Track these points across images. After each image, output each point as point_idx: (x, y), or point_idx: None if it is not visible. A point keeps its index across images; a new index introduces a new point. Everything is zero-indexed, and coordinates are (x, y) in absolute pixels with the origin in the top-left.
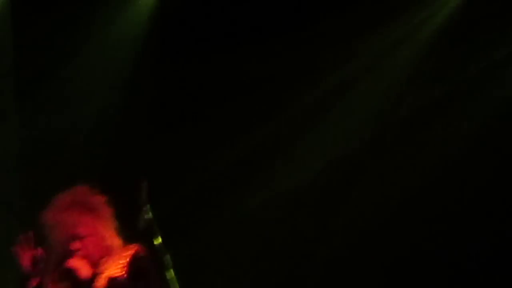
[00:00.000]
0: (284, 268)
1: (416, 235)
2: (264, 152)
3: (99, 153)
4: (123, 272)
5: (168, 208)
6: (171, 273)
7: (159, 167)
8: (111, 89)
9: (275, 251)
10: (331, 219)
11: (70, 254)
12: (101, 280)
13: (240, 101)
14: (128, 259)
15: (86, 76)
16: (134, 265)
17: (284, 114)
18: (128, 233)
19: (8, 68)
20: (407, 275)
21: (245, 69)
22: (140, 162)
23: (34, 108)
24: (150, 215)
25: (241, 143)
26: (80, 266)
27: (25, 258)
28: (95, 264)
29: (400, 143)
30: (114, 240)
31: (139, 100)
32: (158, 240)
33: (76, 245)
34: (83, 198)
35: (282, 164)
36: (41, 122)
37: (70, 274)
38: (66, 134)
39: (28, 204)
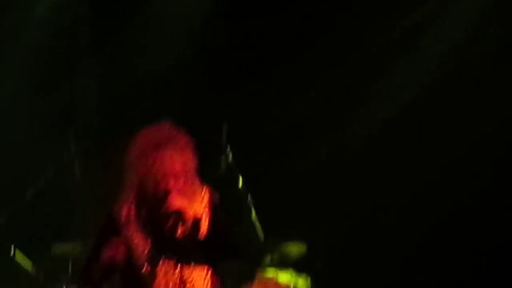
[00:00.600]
0: (356, 213)
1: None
2: (338, 100)
3: (176, 99)
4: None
5: (247, 152)
6: (252, 215)
7: (238, 113)
8: (187, 37)
9: (347, 196)
10: (402, 169)
11: (166, 194)
12: (204, 223)
13: (314, 49)
14: (208, 202)
15: (161, 24)
16: (214, 209)
17: (356, 61)
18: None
19: (85, 17)
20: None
21: (315, 18)
22: (219, 108)
23: (111, 56)
24: (230, 158)
25: (315, 91)
26: (186, 206)
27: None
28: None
29: (474, 87)
30: (197, 180)
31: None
32: (239, 183)
33: (172, 183)
34: (171, 135)
35: (355, 111)
36: (118, 69)
37: (174, 216)
38: (143, 81)
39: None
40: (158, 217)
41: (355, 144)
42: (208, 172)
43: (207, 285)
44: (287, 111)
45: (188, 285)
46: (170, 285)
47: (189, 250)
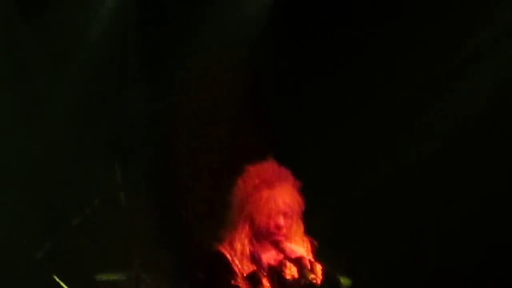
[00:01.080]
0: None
1: None
2: (400, 117)
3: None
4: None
5: None
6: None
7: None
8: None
9: (393, 227)
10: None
11: (275, 231)
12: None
13: (377, 63)
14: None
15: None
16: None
17: (421, 77)
18: None
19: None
20: None
21: (377, 34)
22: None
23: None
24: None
25: (378, 106)
26: (294, 249)
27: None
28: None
29: None
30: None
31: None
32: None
33: (282, 222)
34: (280, 173)
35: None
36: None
37: (294, 262)
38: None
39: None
40: (275, 259)
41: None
42: None
43: None
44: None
45: None
46: None
47: None
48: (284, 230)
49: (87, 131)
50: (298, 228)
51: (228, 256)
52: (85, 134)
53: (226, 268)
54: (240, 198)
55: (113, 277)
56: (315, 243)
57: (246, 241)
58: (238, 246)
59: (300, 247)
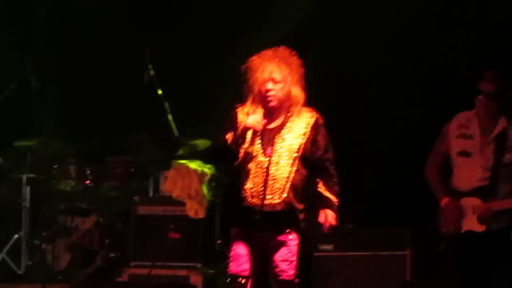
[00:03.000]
0: None
1: None
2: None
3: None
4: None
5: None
6: (169, 117)
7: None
8: None
9: None
10: None
11: (265, 92)
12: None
13: None
14: (312, 124)
15: None
16: (318, 132)
17: None
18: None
19: None
20: None
21: None
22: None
23: None
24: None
25: None
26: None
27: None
28: (284, 109)
29: None
30: (298, 94)
31: None
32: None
33: (270, 85)
34: (284, 54)
35: None
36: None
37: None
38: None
39: None
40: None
41: None
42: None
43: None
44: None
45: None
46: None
47: None
48: (273, 93)
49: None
50: (296, 94)
51: (238, 111)
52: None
53: (232, 121)
54: (249, 72)
55: (27, 143)
56: (319, 116)
57: (248, 105)
58: (245, 108)
59: (256, 120)
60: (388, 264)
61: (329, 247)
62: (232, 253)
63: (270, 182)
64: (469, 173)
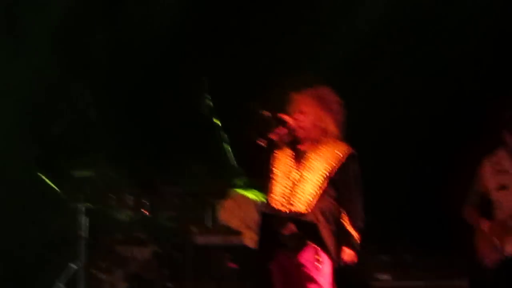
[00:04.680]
0: None
1: None
2: None
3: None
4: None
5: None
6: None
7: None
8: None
9: None
10: None
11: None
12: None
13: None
14: (344, 156)
15: None
16: (348, 164)
17: None
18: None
19: None
20: None
21: None
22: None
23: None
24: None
25: None
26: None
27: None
28: (311, 139)
29: None
30: (331, 127)
31: None
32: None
33: (296, 116)
34: (321, 91)
35: None
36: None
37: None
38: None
39: None
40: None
41: None
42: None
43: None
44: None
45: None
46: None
47: None
48: (300, 124)
49: (64, 61)
50: (328, 128)
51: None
52: (62, 63)
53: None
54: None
55: (85, 173)
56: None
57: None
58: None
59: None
60: None
61: (386, 276)
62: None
63: (298, 193)
64: (509, 204)
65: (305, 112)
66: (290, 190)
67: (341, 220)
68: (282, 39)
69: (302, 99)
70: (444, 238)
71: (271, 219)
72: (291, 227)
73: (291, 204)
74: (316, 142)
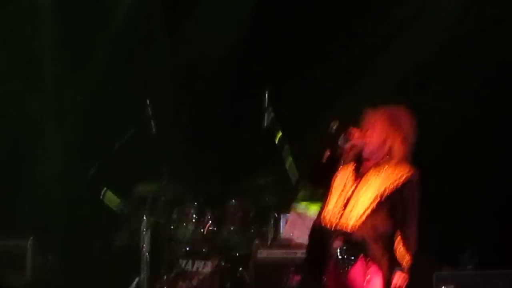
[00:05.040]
0: None
1: None
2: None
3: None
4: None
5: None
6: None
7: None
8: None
9: None
10: None
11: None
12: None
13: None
14: (404, 177)
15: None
16: (406, 186)
17: None
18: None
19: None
20: None
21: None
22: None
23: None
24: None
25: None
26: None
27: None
28: (376, 157)
29: None
30: (397, 149)
31: None
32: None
33: (367, 133)
34: (394, 110)
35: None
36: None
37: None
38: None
39: None
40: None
41: None
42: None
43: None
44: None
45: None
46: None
47: None
48: (367, 141)
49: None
50: (395, 148)
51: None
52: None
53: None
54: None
55: (147, 187)
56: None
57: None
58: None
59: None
60: None
61: None
62: None
63: (349, 208)
64: None
65: (375, 130)
66: (343, 205)
67: (396, 243)
68: (347, 49)
69: (375, 116)
70: (506, 250)
71: (321, 231)
72: (339, 242)
73: (340, 220)
74: (380, 160)
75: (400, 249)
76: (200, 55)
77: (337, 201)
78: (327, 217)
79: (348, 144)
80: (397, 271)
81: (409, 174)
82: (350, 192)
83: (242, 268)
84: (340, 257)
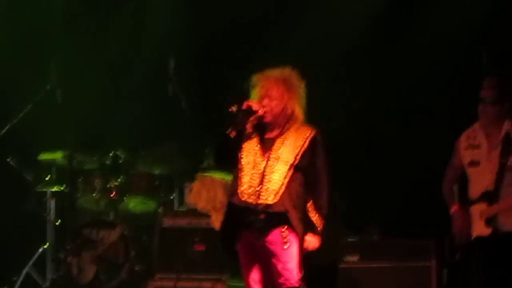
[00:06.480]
0: None
1: None
2: None
3: None
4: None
5: None
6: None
7: None
8: None
9: None
10: None
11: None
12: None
13: None
14: (308, 139)
15: None
16: (312, 147)
17: None
18: None
19: None
20: None
21: None
22: None
23: None
24: None
25: None
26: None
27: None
28: (279, 124)
29: None
30: (297, 112)
31: None
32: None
33: (265, 101)
34: (285, 73)
35: None
36: None
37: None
38: None
39: None
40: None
41: None
42: None
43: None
44: None
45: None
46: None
47: None
48: (267, 109)
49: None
50: (294, 111)
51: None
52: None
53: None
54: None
55: (51, 155)
56: (318, 132)
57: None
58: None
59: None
60: (413, 275)
61: (354, 258)
62: (242, 269)
63: (266, 184)
64: (479, 181)
65: (273, 96)
66: (258, 181)
67: (307, 208)
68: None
69: (268, 83)
70: (412, 220)
71: (239, 210)
72: (261, 217)
73: (259, 196)
74: (283, 128)
75: (313, 212)
76: None
77: (250, 179)
78: (244, 197)
79: (250, 119)
80: (309, 233)
81: (312, 135)
82: (262, 168)
83: (146, 237)
84: (258, 225)
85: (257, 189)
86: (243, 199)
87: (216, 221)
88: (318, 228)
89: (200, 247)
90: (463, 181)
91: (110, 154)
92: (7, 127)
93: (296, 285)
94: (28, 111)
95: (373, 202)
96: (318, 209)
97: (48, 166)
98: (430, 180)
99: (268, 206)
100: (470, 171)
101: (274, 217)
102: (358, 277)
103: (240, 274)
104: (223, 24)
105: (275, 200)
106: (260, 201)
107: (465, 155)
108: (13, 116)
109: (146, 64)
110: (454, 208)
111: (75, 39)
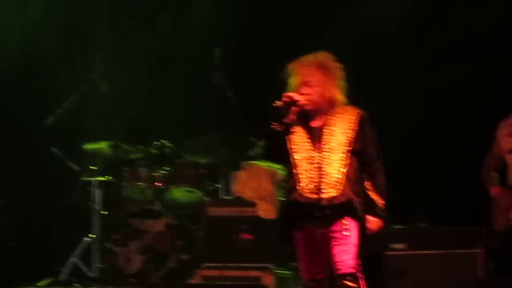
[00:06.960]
0: None
1: None
2: None
3: None
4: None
5: None
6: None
7: None
8: None
9: None
10: None
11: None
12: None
13: None
14: (355, 119)
15: None
16: (361, 126)
17: None
18: None
19: None
20: None
21: None
22: None
23: None
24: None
25: None
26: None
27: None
28: (322, 111)
29: None
30: (338, 95)
31: None
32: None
33: (304, 89)
34: (322, 59)
35: None
36: None
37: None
38: None
39: None
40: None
41: None
42: None
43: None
44: None
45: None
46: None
47: None
48: (308, 97)
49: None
50: (334, 96)
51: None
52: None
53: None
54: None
55: (97, 146)
56: (364, 112)
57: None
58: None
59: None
60: (460, 262)
61: (401, 246)
62: (300, 257)
63: (325, 177)
64: None
65: (311, 84)
66: (317, 176)
67: (366, 189)
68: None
69: (304, 70)
70: (460, 207)
71: (301, 205)
72: (326, 212)
73: (321, 191)
74: (326, 114)
75: (372, 192)
76: None
77: (308, 175)
78: (306, 193)
79: (292, 110)
80: (369, 217)
81: (359, 116)
82: (317, 162)
83: (193, 226)
84: (323, 221)
85: (317, 183)
86: (304, 195)
87: (262, 210)
88: (381, 206)
89: (247, 236)
90: (503, 170)
91: (156, 144)
92: (54, 118)
93: (353, 271)
94: (74, 102)
95: (420, 190)
96: (377, 187)
97: (94, 156)
98: (479, 167)
99: (331, 199)
100: (510, 158)
101: (338, 209)
102: (405, 264)
103: (287, 263)
104: (268, 13)
105: (337, 192)
106: (322, 195)
107: (505, 142)
108: (59, 106)
109: (191, 54)
110: (495, 190)
111: (121, 30)
